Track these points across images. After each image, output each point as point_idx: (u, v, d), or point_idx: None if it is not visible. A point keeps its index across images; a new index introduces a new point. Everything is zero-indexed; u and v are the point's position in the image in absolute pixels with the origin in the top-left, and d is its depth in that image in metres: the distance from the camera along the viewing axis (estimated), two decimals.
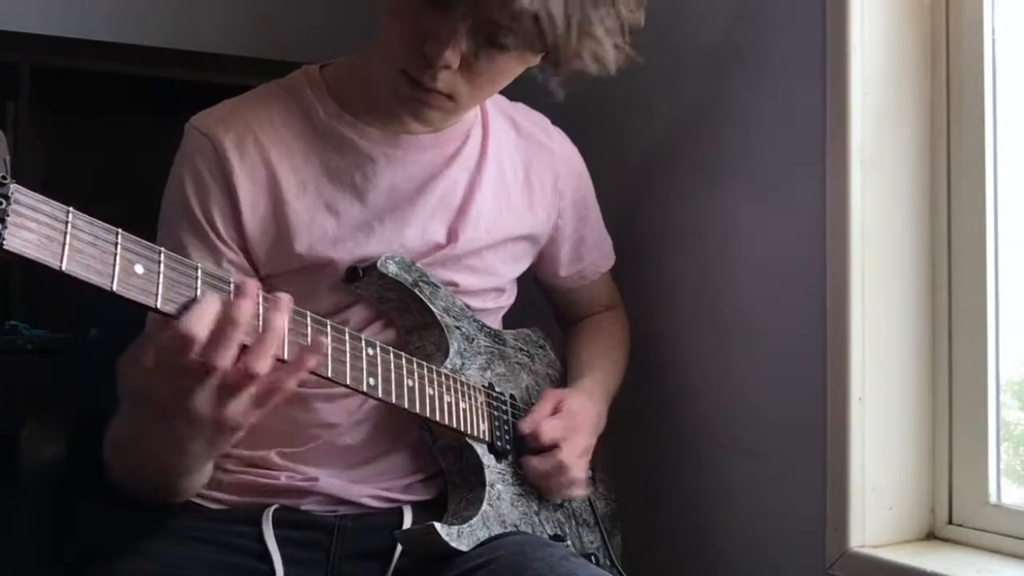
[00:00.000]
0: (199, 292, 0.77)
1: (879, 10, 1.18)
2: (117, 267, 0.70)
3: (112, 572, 0.96)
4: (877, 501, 1.16)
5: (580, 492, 1.14)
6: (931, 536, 1.19)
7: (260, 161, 1.04)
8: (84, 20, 1.98)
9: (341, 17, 2.05)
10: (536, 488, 1.12)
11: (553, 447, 1.10)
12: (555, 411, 1.13)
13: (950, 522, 1.19)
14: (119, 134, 1.98)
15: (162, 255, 0.74)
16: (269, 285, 1.06)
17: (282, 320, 0.81)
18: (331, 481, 1.05)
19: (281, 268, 1.05)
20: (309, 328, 0.85)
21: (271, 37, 2.09)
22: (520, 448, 1.11)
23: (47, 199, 0.66)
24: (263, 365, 0.78)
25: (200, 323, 0.75)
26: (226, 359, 0.76)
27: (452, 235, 1.11)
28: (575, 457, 1.11)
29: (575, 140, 1.28)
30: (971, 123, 1.17)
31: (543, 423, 1.10)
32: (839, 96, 1.17)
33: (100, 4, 2.02)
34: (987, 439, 1.15)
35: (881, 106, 1.18)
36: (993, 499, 1.14)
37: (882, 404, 1.17)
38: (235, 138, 1.03)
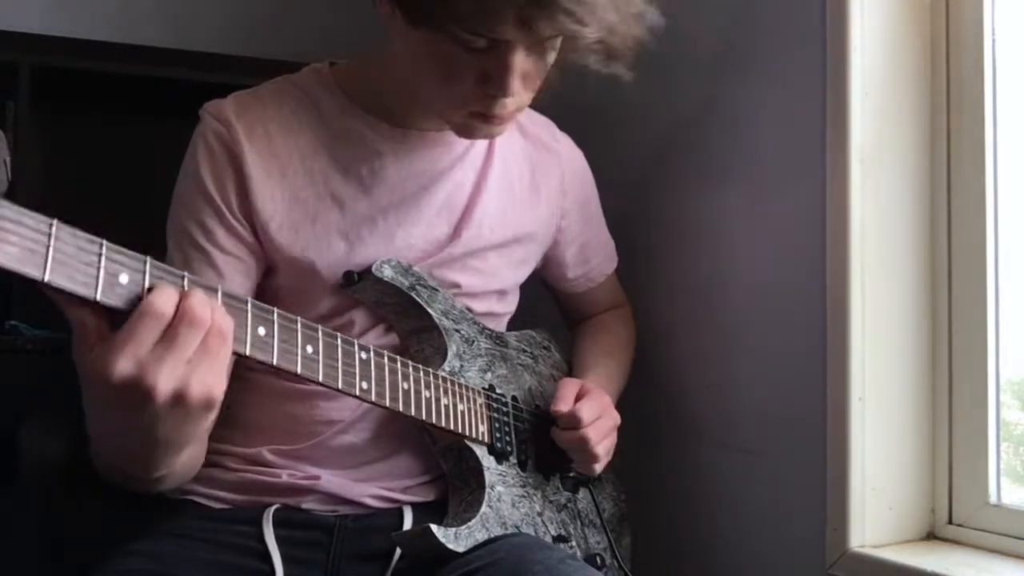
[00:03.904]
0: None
1: (879, 10, 1.18)
2: (101, 278, 0.70)
3: (112, 572, 0.96)
4: (877, 501, 1.16)
5: (600, 467, 1.15)
6: (931, 536, 1.19)
7: (269, 151, 1.05)
8: (84, 20, 1.98)
9: (341, 17, 2.04)
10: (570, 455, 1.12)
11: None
12: (580, 395, 1.13)
13: (950, 522, 1.19)
14: (119, 134, 1.99)
15: (147, 264, 0.73)
16: (272, 279, 1.07)
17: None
18: (332, 480, 1.06)
19: (284, 256, 1.05)
20: (299, 334, 0.85)
21: (271, 37, 2.09)
22: (521, 421, 1.12)
23: (30, 212, 0.66)
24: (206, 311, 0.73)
25: (169, 302, 0.71)
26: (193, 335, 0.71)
27: (456, 233, 1.12)
28: (601, 435, 1.12)
29: (576, 141, 1.28)
30: (971, 123, 1.17)
31: (579, 406, 1.10)
32: (839, 96, 1.17)
33: (100, 4, 2.02)
34: (987, 439, 1.15)
35: (881, 106, 1.18)
36: (993, 499, 1.14)
37: (882, 404, 1.17)
38: (246, 126, 1.05)
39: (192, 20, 2.07)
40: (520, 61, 0.94)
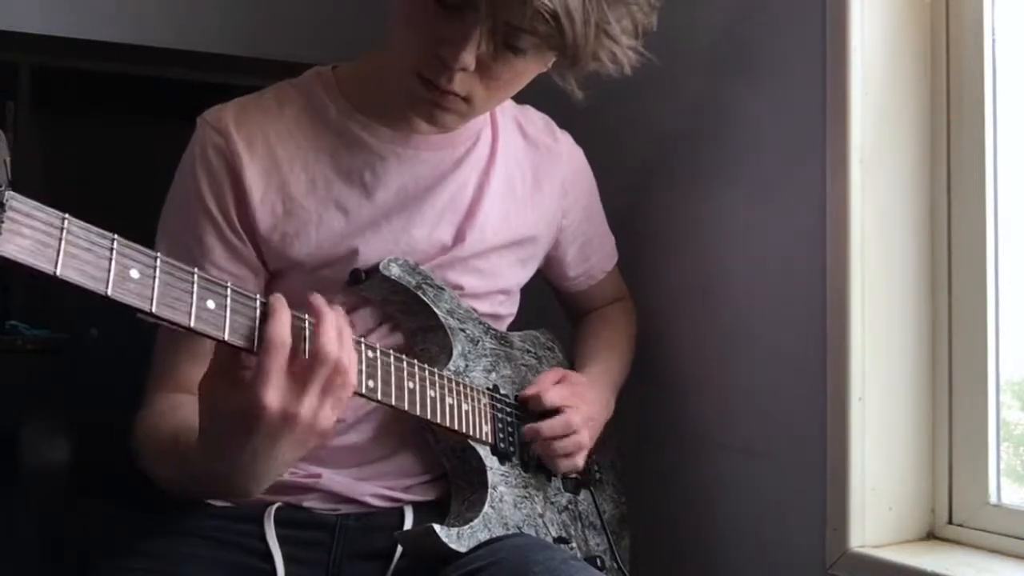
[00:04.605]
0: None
1: (879, 10, 1.18)
2: (112, 272, 0.70)
3: (112, 571, 0.97)
4: (877, 501, 1.16)
5: (581, 462, 1.14)
6: (931, 536, 1.19)
7: (270, 160, 1.05)
8: (84, 20, 1.98)
9: (342, 17, 2.05)
10: (543, 456, 1.12)
11: (556, 412, 1.11)
12: (558, 382, 1.14)
13: (950, 522, 1.19)
14: (119, 134, 1.99)
15: (158, 260, 0.74)
16: (276, 282, 1.07)
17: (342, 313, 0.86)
18: (334, 478, 1.06)
19: (289, 265, 1.05)
20: (307, 331, 0.85)
21: (271, 37, 2.09)
22: (524, 421, 1.12)
23: (43, 206, 0.66)
24: (335, 348, 0.82)
25: (285, 329, 0.80)
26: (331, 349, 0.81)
27: (459, 236, 1.11)
28: (581, 421, 1.12)
29: (577, 140, 1.28)
30: (971, 123, 1.17)
31: (548, 389, 1.12)
32: (839, 96, 1.17)
33: (100, 4, 2.02)
34: (987, 439, 1.15)
35: (881, 106, 1.18)
36: (993, 499, 1.14)
37: (882, 404, 1.17)
38: (246, 136, 1.04)
39: (192, 20, 2.07)
40: (479, 38, 0.92)
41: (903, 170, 1.19)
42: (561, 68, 0.99)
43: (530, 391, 1.13)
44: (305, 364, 0.81)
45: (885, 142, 1.18)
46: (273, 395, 0.78)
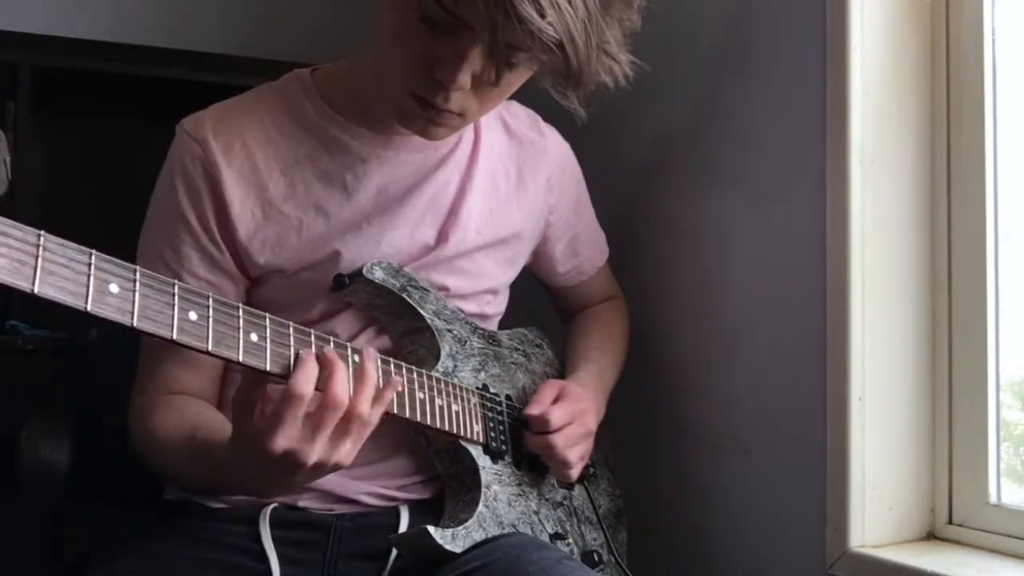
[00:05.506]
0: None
1: (879, 10, 1.18)
2: (91, 288, 0.69)
3: (112, 571, 0.97)
4: (877, 501, 1.16)
5: (575, 474, 1.14)
6: (931, 536, 1.19)
7: (248, 166, 1.04)
8: (84, 20, 1.99)
9: (341, 17, 2.05)
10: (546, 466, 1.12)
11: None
12: (557, 398, 1.13)
13: (950, 522, 1.18)
14: (119, 134, 1.99)
15: (137, 273, 0.73)
16: (258, 289, 1.06)
17: (374, 367, 0.89)
18: (329, 478, 1.05)
19: (270, 270, 1.05)
20: (292, 338, 0.85)
21: (271, 37, 2.10)
22: (516, 420, 1.12)
23: (18, 224, 0.66)
24: (366, 406, 0.85)
25: (308, 382, 0.82)
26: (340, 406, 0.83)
27: (442, 236, 1.11)
28: (581, 436, 1.13)
29: (573, 140, 1.28)
30: (971, 123, 1.17)
31: (551, 410, 1.11)
32: (839, 96, 1.16)
33: (100, 4, 2.02)
34: (987, 439, 1.15)
35: (881, 106, 1.18)
36: (993, 499, 1.14)
37: (882, 404, 1.17)
38: (224, 143, 1.03)
39: (192, 20, 2.08)
40: (476, 58, 0.91)
41: (903, 170, 1.19)
42: (562, 89, 0.97)
43: (533, 410, 1.11)
44: (317, 411, 0.83)
45: (885, 142, 1.18)
46: (281, 440, 0.81)
